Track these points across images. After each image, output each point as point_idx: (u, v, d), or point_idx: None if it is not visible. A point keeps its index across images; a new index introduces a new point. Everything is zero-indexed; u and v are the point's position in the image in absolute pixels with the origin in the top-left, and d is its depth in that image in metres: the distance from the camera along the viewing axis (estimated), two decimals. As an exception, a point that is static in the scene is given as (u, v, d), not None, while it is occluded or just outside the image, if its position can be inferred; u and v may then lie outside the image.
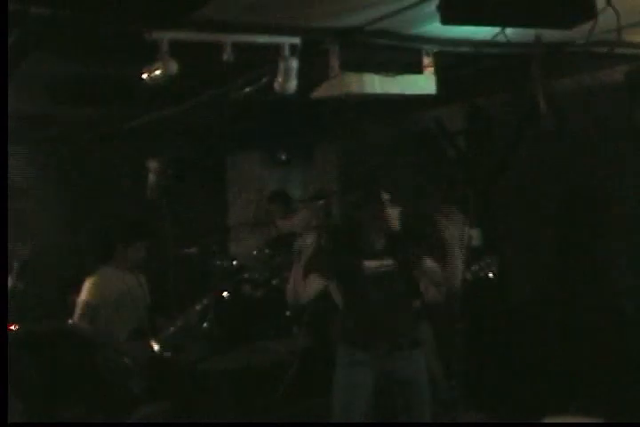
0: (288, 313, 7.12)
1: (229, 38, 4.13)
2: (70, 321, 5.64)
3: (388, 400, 4.88)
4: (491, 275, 5.66)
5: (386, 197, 4.74)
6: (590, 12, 3.42)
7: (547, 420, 3.77)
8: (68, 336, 5.11)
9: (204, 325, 6.97)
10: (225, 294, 6.70)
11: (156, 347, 5.67)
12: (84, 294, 5.66)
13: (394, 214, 4.76)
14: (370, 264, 4.79)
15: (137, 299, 5.88)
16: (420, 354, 4.89)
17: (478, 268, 5.68)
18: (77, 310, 5.62)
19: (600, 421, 3.76)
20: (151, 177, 8.08)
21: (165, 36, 4.02)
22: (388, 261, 4.81)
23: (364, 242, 4.84)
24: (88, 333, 5.54)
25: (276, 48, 4.32)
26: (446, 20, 3.38)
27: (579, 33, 3.72)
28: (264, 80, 5.01)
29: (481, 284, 5.82)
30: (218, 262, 7.69)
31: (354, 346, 4.80)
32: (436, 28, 4.19)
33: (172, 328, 5.82)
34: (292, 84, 4.41)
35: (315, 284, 4.77)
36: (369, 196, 4.78)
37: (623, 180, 5.91)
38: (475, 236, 5.90)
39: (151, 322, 5.85)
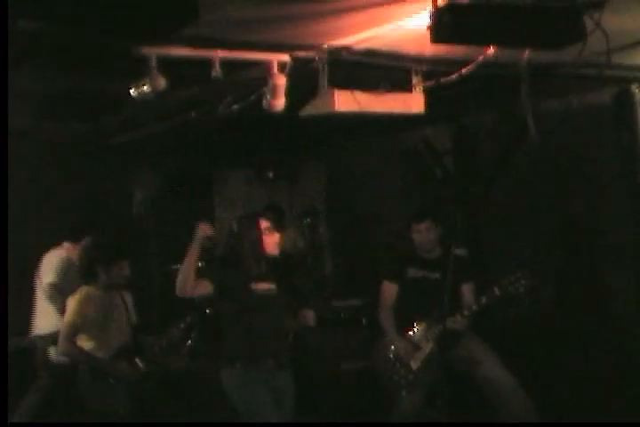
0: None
1: (218, 55, 4.13)
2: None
3: None
4: (522, 290, 5.42)
5: (265, 224, 5.03)
6: (580, 34, 3.44)
7: None
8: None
9: (188, 342, 6.93)
10: (207, 310, 6.66)
11: (141, 365, 5.62)
12: (68, 315, 5.57)
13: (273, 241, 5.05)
14: (257, 286, 4.97)
15: (121, 318, 5.79)
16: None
17: (508, 282, 5.46)
18: (62, 332, 5.54)
19: None
20: (137, 193, 8.05)
21: (154, 52, 4.01)
22: (272, 285, 5.03)
23: (246, 266, 5.00)
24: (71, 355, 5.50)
25: (265, 65, 4.32)
26: (437, 38, 3.38)
27: (568, 54, 3.72)
28: (252, 97, 4.99)
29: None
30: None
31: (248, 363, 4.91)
32: (427, 48, 4.19)
33: (156, 347, 5.76)
34: (281, 102, 4.41)
35: (203, 290, 4.89)
36: (248, 224, 5.07)
37: (609, 202, 5.91)
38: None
39: (136, 341, 5.78)
